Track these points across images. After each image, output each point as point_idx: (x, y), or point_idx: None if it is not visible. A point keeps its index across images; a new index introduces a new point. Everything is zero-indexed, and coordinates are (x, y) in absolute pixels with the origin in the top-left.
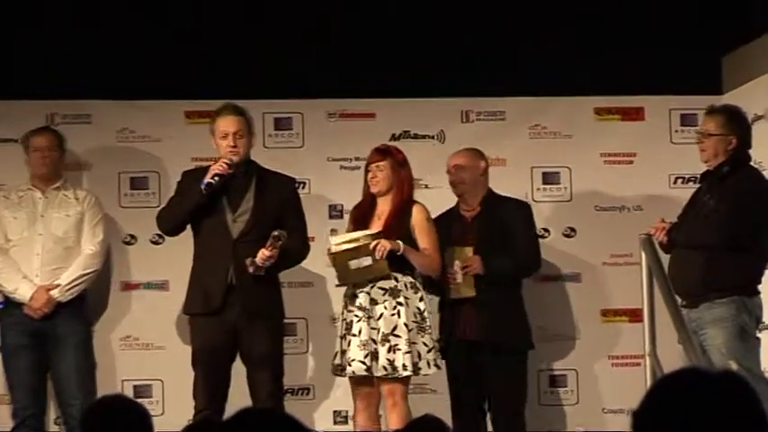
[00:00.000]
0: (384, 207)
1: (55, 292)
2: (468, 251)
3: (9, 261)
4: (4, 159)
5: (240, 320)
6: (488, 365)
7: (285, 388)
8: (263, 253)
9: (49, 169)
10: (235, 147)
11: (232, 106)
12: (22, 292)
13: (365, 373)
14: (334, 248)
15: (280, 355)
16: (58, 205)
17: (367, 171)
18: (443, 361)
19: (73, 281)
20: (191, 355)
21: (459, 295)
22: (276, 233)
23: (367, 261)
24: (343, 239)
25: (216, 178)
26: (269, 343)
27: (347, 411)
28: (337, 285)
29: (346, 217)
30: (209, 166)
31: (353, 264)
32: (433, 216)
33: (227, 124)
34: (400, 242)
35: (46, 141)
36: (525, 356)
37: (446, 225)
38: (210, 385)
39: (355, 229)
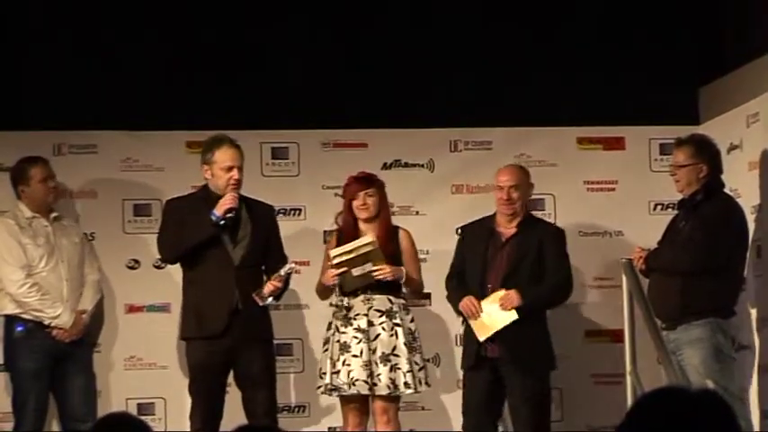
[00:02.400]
0: (370, 232)
1: (85, 317)
2: (496, 297)
3: (44, 288)
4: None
5: (237, 343)
6: (510, 386)
7: (281, 406)
8: (274, 285)
9: (55, 198)
10: (238, 180)
11: (229, 139)
12: (64, 318)
13: (368, 392)
14: (336, 260)
15: (274, 374)
16: (63, 233)
17: (351, 200)
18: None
19: (95, 305)
20: (189, 376)
21: (475, 330)
22: (288, 268)
23: (368, 266)
24: (341, 251)
25: (231, 213)
26: (264, 363)
27: (341, 427)
28: (341, 294)
29: None
30: (193, 194)
31: (356, 271)
32: (466, 222)
33: (232, 158)
34: (403, 269)
35: (49, 170)
36: (548, 376)
37: (479, 238)
38: (208, 405)
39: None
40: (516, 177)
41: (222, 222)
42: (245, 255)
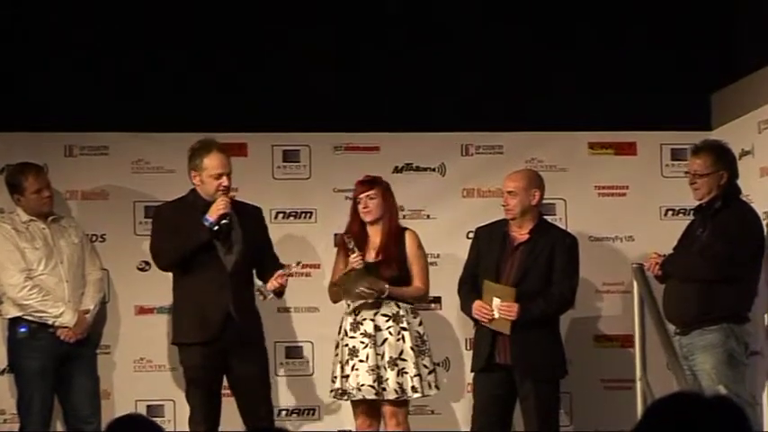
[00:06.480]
0: (375, 235)
1: (88, 316)
2: (510, 293)
3: (45, 289)
4: None
5: (231, 348)
6: (522, 392)
7: (291, 408)
8: (278, 282)
9: (51, 206)
10: (227, 187)
11: (217, 144)
12: (67, 317)
13: (374, 397)
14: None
15: (269, 378)
16: (61, 234)
17: (356, 203)
18: (473, 380)
19: (96, 304)
20: (186, 381)
21: (494, 328)
22: (295, 265)
23: (363, 285)
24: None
25: (225, 219)
26: (261, 366)
27: (353, 431)
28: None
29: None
30: (182, 198)
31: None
32: (482, 224)
33: (221, 164)
34: (387, 286)
35: (42, 180)
36: (558, 384)
37: (493, 242)
38: (206, 410)
39: (347, 256)
40: (514, 184)
41: (216, 228)
42: (237, 261)
